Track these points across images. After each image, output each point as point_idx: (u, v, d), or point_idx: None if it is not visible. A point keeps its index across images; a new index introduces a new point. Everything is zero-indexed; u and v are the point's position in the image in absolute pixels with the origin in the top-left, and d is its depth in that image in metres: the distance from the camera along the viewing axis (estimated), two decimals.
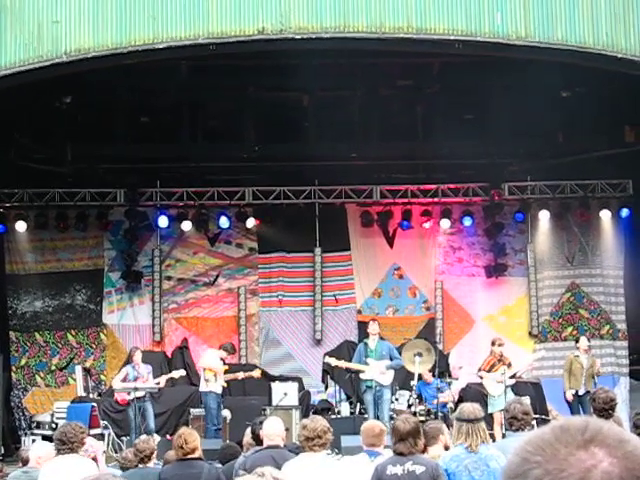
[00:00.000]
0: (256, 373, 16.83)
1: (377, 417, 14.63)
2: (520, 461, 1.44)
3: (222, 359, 16.01)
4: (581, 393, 15.53)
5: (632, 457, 1.40)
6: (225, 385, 15.84)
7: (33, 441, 15.09)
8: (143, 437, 9.23)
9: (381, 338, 15.73)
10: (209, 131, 19.61)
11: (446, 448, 7.54)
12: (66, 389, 19.06)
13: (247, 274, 19.99)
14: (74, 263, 19.79)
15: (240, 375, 16.36)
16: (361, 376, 15.40)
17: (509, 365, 15.41)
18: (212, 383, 15.58)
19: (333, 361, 16.21)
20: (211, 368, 15.68)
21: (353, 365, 15.68)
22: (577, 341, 16.77)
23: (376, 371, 15.08)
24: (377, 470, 6.69)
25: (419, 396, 15.89)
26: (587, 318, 19.76)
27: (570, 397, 15.90)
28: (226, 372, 15.94)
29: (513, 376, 15.50)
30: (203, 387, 15.76)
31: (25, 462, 8.35)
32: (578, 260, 19.97)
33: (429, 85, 17.96)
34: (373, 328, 15.49)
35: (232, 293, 19.87)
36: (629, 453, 1.40)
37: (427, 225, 19.69)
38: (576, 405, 15.62)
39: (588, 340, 16.64)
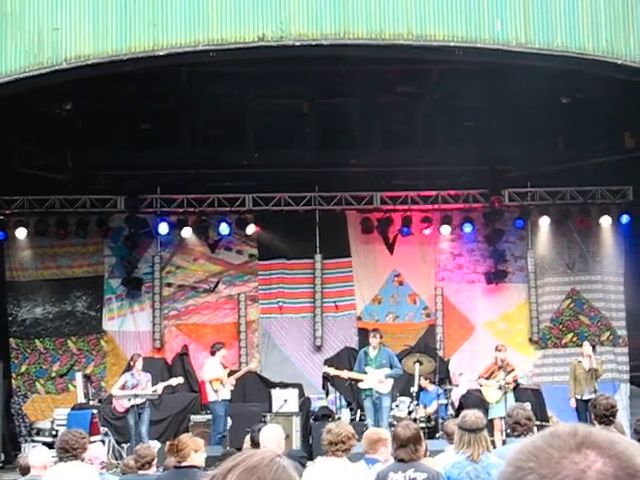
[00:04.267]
0: (253, 364, 17.05)
1: (377, 423, 14.66)
2: (513, 470, 1.44)
3: (222, 364, 16.01)
4: (586, 398, 15.30)
5: (624, 456, 1.41)
6: (233, 388, 15.81)
7: (33, 447, 15.05)
8: (145, 445, 9.23)
9: (382, 345, 15.71)
10: (209, 138, 19.62)
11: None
12: (66, 396, 19.02)
13: (247, 281, 19.98)
14: (74, 270, 19.78)
15: (240, 372, 16.46)
16: (360, 385, 15.40)
17: (512, 371, 15.38)
18: (221, 391, 15.53)
19: (332, 371, 16.22)
20: (216, 377, 15.63)
21: (352, 374, 15.67)
22: (582, 346, 16.77)
23: (374, 380, 15.06)
24: (378, 477, 6.67)
25: (419, 403, 15.93)
26: (587, 324, 19.74)
27: (573, 404, 15.83)
28: (229, 374, 15.92)
29: (515, 383, 15.49)
30: (213, 397, 15.62)
31: (23, 469, 8.32)
32: (578, 266, 19.96)
33: (429, 92, 17.95)
34: (374, 340, 15.45)
35: (232, 300, 19.85)
36: (620, 453, 1.42)
37: (427, 232, 19.67)
38: (583, 411, 15.28)
39: (591, 345, 16.60)
